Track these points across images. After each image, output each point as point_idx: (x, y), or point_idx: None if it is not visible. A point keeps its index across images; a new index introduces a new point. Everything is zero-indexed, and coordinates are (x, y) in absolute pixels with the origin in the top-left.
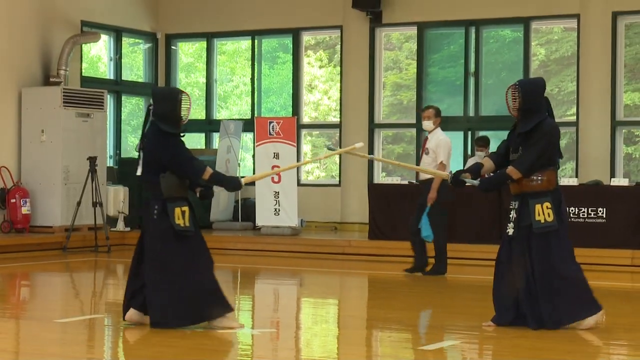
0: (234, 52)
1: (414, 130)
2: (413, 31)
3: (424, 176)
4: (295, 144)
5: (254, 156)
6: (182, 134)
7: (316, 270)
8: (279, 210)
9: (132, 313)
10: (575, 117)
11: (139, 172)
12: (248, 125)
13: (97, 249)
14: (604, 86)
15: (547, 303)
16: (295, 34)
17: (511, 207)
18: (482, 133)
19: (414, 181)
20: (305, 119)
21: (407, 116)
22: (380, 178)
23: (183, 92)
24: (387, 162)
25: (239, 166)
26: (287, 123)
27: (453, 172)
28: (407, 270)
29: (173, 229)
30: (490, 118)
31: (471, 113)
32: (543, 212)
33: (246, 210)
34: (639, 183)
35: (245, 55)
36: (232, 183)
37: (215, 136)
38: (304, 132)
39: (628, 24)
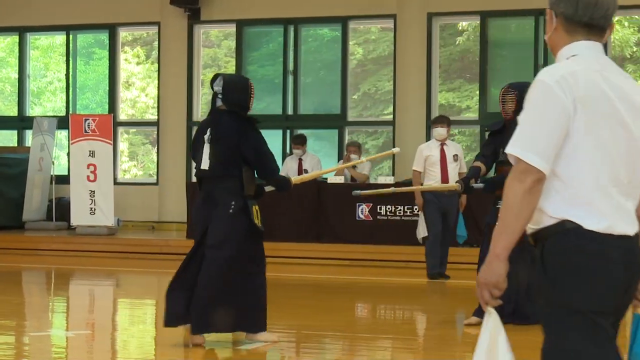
0: (47, 47)
1: None
2: (232, 29)
3: None
4: (112, 142)
5: (68, 154)
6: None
7: (133, 271)
8: (94, 210)
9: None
10: (392, 116)
11: (205, 166)
12: (62, 122)
13: None
14: (419, 86)
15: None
16: (112, 29)
17: (499, 206)
18: (299, 131)
19: None
20: (122, 117)
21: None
22: None
23: (249, 79)
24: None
25: (53, 165)
26: (103, 120)
27: (462, 181)
28: None
29: (251, 229)
30: (309, 117)
31: (290, 111)
32: None
33: (60, 210)
34: (456, 181)
35: (60, 50)
36: (287, 184)
37: (29, 133)
38: (120, 129)
39: (443, 24)
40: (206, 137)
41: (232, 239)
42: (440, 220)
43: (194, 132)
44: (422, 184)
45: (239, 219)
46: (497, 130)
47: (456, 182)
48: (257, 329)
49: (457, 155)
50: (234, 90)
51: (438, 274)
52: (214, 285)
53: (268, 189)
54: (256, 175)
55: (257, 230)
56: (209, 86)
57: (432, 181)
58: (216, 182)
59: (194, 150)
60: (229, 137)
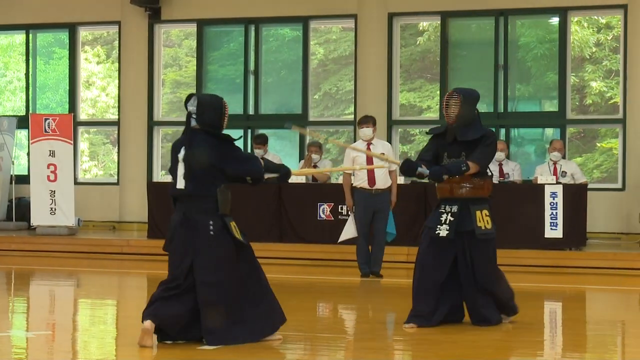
0: (7, 46)
1: None
2: (192, 28)
3: None
4: (72, 142)
5: (28, 154)
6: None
7: (94, 271)
8: (55, 210)
9: (149, 339)
10: (353, 116)
11: (181, 186)
12: (22, 122)
13: None
14: (380, 86)
15: (488, 303)
16: (72, 29)
17: (443, 210)
18: (261, 131)
19: None
20: (83, 116)
21: (186, 114)
22: (159, 176)
23: (223, 99)
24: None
25: (13, 164)
26: (63, 120)
27: (405, 159)
28: None
29: (235, 245)
30: (270, 116)
31: (251, 111)
32: (483, 219)
33: (21, 210)
34: (415, 181)
35: (20, 49)
36: (284, 171)
37: None
38: (81, 129)
39: (403, 25)
40: (180, 156)
41: (222, 266)
42: (369, 220)
43: (154, 132)
44: (352, 185)
45: (222, 241)
46: (438, 133)
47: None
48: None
49: (384, 154)
50: (208, 110)
51: (370, 274)
52: (220, 312)
53: (269, 176)
54: (251, 182)
55: (242, 245)
56: (170, 86)
57: (360, 181)
58: (192, 201)
59: (170, 170)
60: (204, 157)
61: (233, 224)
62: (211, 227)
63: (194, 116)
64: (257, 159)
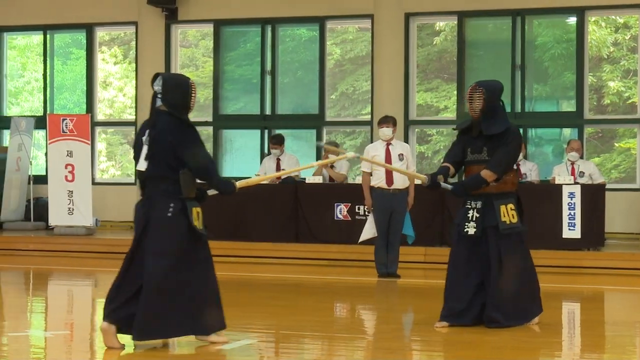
0: (25, 46)
1: (210, 129)
2: (209, 28)
3: None
4: (90, 142)
5: (46, 154)
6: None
7: (111, 271)
8: (72, 210)
9: (114, 340)
10: (370, 116)
11: (142, 167)
12: (40, 122)
13: None
14: (397, 86)
15: (516, 302)
16: (89, 29)
17: (469, 206)
18: (277, 131)
19: None
20: (100, 116)
21: (203, 114)
22: None
23: (190, 79)
24: (371, 162)
25: (31, 164)
26: (80, 120)
27: (430, 175)
28: None
29: (191, 231)
30: (286, 116)
31: (267, 111)
32: (508, 214)
33: (38, 210)
34: (426, 173)
35: (37, 50)
36: (229, 187)
37: (6, 133)
38: (98, 129)
39: (420, 25)
40: (144, 138)
41: (172, 246)
42: (387, 220)
43: None
44: (371, 185)
45: (177, 223)
46: (465, 128)
47: (425, 174)
48: (209, 330)
49: (402, 154)
50: (173, 90)
51: (387, 274)
52: (156, 294)
53: (211, 192)
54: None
55: (197, 235)
56: None
57: (379, 181)
58: (155, 184)
59: (134, 152)
60: (165, 139)
61: (196, 210)
62: (170, 209)
63: (159, 96)
64: (212, 160)
